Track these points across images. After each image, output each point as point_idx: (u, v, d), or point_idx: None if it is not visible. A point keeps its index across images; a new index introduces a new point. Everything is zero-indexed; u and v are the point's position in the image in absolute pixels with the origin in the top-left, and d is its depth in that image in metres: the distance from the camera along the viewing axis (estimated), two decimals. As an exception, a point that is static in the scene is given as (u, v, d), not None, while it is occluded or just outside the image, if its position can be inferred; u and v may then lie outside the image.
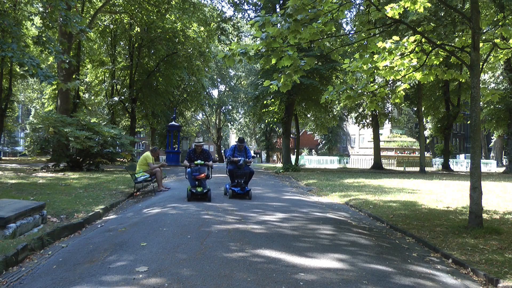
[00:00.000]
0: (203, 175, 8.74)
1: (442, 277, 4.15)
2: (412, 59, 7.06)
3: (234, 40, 24.30)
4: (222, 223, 6.24)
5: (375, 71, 7.23)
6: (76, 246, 4.94)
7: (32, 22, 20.77)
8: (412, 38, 6.85)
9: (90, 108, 31.85)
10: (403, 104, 28.44)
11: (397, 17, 6.62)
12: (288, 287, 3.56)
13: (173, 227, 5.78)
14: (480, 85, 6.34)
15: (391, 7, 6.52)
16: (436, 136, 33.02)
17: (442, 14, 20.10)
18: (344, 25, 30.46)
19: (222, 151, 51.32)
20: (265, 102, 23.84)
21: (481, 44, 6.63)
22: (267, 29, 5.51)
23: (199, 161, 8.93)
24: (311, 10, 5.39)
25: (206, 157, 9.35)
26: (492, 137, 45.55)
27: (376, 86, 7.67)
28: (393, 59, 7.08)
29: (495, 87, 29.84)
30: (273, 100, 23.91)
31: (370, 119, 29.44)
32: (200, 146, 9.40)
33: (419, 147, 29.59)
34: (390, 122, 38.31)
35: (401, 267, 4.37)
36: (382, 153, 33.06)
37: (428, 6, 6.88)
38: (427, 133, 41.30)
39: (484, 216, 6.73)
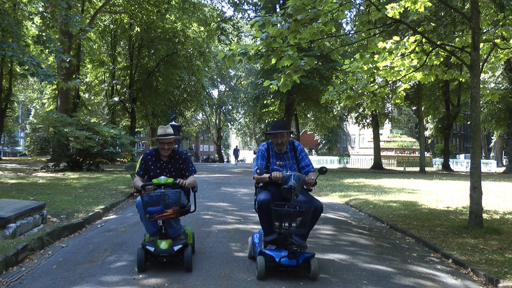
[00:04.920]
0: (170, 211, 3.91)
1: (442, 277, 4.15)
2: (412, 59, 7.06)
3: (234, 40, 24.30)
4: (222, 223, 6.25)
5: (375, 71, 7.22)
6: (76, 246, 4.94)
7: (32, 21, 20.80)
8: (412, 38, 6.85)
9: (90, 108, 31.85)
10: (403, 104, 28.45)
11: (398, 17, 6.62)
12: (288, 287, 3.56)
13: (173, 227, 5.78)
14: (480, 85, 6.34)
15: (392, 7, 6.52)
16: (436, 136, 33.03)
17: (442, 14, 20.11)
18: (344, 25, 30.48)
19: (222, 151, 51.31)
20: (265, 102, 23.86)
21: (481, 44, 6.63)
22: (267, 29, 5.51)
23: (162, 178, 4.10)
24: (311, 10, 5.39)
25: (181, 168, 4.47)
26: (492, 137, 45.55)
27: (376, 86, 7.68)
28: (394, 59, 7.08)
29: (495, 87, 29.84)
30: (273, 100, 23.93)
31: (370, 119, 29.46)
32: (168, 143, 4.37)
33: (419, 147, 29.59)
34: (390, 122, 38.31)
35: (401, 267, 4.37)
36: (382, 153, 33.06)
37: (429, 6, 6.88)
38: (427, 133, 41.32)
39: (484, 216, 6.73)
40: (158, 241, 3.99)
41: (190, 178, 4.42)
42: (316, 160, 37.51)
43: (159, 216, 3.89)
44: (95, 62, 28.23)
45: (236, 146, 40.46)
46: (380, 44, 6.86)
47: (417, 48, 6.90)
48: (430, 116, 31.03)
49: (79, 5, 20.68)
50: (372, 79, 7.87)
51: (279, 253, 3.81)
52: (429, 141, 47.04)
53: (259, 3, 22.58)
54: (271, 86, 6.63)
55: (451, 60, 7.19)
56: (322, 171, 4.14)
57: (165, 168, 4.42)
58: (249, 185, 13.07)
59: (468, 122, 8.97)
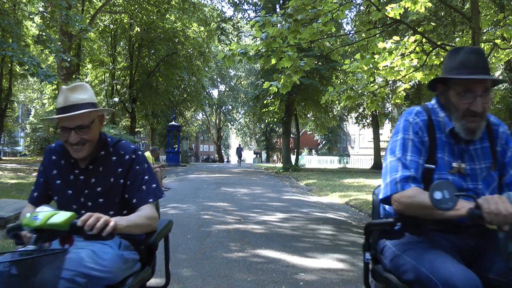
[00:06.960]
0: None
1: (442, 277, 4.14)
2: (412, 59, 7.07)
3: (234, 40, 24.32)
4: (222, 223, 6.25)
5: (376, 71, 7.23)
6: (76, 246, 4.93)
7: (32, 21, 20.83)
8: (412, 38, 6.86)
9: (90, 108, 31.80)
10: (403, 104, 28.44)
11: (398, 17, 6.62)
12: (288, 287, 3.56)
13: (173, 227, 5.78)
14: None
15: (392, 8, 6.53)
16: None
17: (442, 14, 20.10)
18: (344, 25, 30.48)
19: (223, 151, 51.18)
20: (265, 102, 23.86)
21: (481, 44, 6.63)
22: (267, 29, 5.52)
23: (41, 213, 1.30)
24: (311, 10, 5.40)
25: (120, 186, 1.79)
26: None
27: (376, 87, 7.68)
28: (394, 59, 7.08)
29: (495, 87, 29.82)
30: (273, 100, 23.92)
31: (370, 119, 29.47)
32: (76, 128, 1.64)
33: (419, 147, 29.54)
34: (390, 122, 38.30)
35: (401, 267, 4.36)
36: (382, 153, 33.01)
37: (429, 6, 6.89)
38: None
39: (484, 216, 6.72)
40: None
41: (143, 210, 1.80)
42: (316, 160, 37.48)
43: None
44: (95, 62, 28.22)
45: (239, 145, 39.99)
46: (380, 44, 6.87)
47: (417, 48, 6.91)
48: (430, 116, 30.98)
49: (79, 5, 20.70)
50: (372, 79, 7.88)
51: None
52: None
53: (259, 3, 22.58)
54: (270, 88, 6.64)
55: (451, 60, 7.18)
56: None
57: (84, 184, 1.88)
58: (249, 185, 13.08)
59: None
